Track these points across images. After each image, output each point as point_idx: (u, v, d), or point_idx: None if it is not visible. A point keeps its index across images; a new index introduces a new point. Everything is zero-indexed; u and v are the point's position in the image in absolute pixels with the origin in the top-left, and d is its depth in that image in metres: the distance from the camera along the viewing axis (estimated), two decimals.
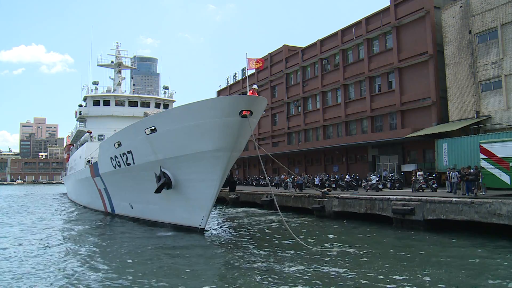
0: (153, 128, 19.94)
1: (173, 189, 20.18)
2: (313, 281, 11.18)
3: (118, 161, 24.11)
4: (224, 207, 35.83)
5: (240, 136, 18.10)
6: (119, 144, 23.26)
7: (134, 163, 22.53)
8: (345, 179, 30.71)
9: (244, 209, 33.17)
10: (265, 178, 46.36)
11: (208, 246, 17.28)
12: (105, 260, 14.67)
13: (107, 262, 14.32)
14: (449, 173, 22.07)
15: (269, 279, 11.54)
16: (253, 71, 51.15)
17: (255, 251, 15.44)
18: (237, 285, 11.19)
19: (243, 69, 58.49)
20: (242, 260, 14.09)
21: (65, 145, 76.97)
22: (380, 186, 27.05)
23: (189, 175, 19.38)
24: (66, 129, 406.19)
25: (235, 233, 20.34)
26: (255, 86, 18.93)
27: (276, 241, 17.59)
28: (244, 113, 17.20)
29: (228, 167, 19.08)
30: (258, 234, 19.69)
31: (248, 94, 18.59)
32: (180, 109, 19.10)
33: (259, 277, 11.79)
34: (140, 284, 11.48)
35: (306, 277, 11.65)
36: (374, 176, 27.67)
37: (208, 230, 20.93)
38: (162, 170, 19.99)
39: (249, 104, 17.40)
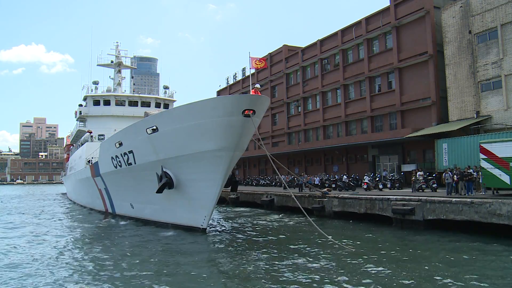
0: (154, 127, 19.94)
1: (174, 189, 20.20)
2: (316, 281, 11.24)
3: (119, 161, 24.14)
4: (224, 207, 35.84)
5: (243, 135, 18.14)
6: (120, 144, 23.28)
7: (135, 163, 22.57)
8: (342, 179, 30.73)
9: (244, 209, 33.20)
10: (267, 177, 46.51)
11: (210, 246, 17.31)
12: (106, 260, 14.71)
13: (108, 262, 14.37)
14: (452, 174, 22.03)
15: (272, 279, 11.59)
16: (254, 70, 51.13)
17: (257, 251, 15.49)
18: (239, 285, 11.23)
19: (243, 69, 58.60)
20: (244, 260, 14.14)
21: (65, 145, 76.84)
22: (365, 187, 27.80)
23: (191, 175, 19.41)
24: (66, 129, 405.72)
25: (236, 233, 20.37)
26: (257, 86, 18.93)
27: (278, 241, 17.63)
28: (246, 112, 17.25)
29: (230, 167, 19.13)
30: (260, 234, 19.74)
31: (251, 93, 18.62)
32: (182, 108, 19.10)
33: (262, 277, 11.84)
34: (141, 284, 11.53)
35: (307, 276, 11.70)
36: (366, 176, 27.91)
37: (210, 230, 20.98)
38: (164, 170, 20.03)
39: (252, 103, 17.43)
